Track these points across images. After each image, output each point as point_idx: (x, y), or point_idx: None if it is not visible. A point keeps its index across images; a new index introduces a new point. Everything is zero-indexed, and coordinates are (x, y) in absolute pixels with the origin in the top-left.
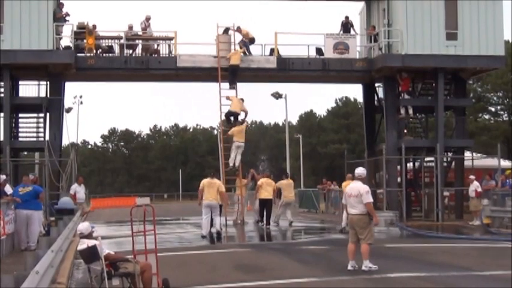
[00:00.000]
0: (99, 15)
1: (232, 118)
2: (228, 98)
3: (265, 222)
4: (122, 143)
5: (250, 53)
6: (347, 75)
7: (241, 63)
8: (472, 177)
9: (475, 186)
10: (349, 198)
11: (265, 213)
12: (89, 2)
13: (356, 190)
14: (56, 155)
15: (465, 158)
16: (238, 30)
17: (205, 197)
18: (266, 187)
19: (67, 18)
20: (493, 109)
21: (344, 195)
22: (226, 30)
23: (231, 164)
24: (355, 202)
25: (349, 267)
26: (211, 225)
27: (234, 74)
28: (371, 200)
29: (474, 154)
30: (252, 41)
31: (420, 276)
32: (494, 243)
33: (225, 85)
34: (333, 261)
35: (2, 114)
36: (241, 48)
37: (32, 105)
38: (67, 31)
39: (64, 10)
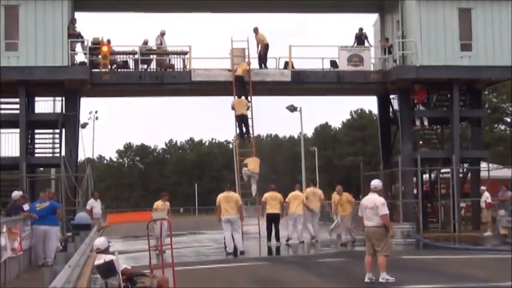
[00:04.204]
0: (114, 30)
1: (244, 128)
2: (232, 107)
3: (274, 239)
4: (138, 158)
5: (265, 64)
6: (362, 88)
7: (249, 75)
8: (483, 188)
9: (485, 197)
10: (365, 210)
11: (273, 229)
12: (103, 17)
13: (372, 202)
14: (72, 171)
15: (481, 169)
16: (255, 30)
17: (224, 212)
18: (271, 202)
19: (80, 36)
20: (508, 119)
21: (360, 208)
22: (255, 30)
23: (245, 179)
24: (371, 214)
25: (366, 280)
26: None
27: (240, 85)
28: (387, 211)
29: (490, 165)
30: (266, 47)
31: (437, 287)
32: (510, 254)
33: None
34: (350, 274)
35: (18, 131)
36: (248, 64)
37: (48, 121)
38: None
39: (77, 27)
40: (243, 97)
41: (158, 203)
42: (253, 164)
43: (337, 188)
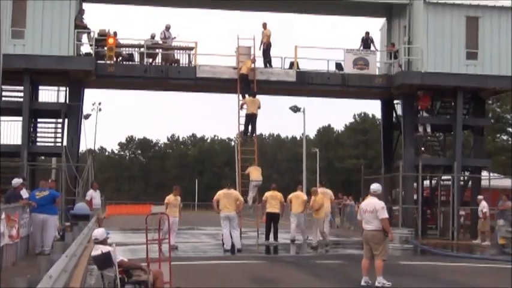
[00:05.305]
0: (120, 22)
1: (250, 127)
2: (242, 105)
3: (273, 237)
4: (139, 151)
5: (270, 63)
6: (366, 91)
7: (254, 73)
8: (480, 197)
9: (481, 207)
10: (364, 214)
11: (272, 228)
12: (110, 9)
13: (372, 206)
14: (73, 161)
15: (482, 177)
16: (264, 26)
17: (223, 209)
18: (271, 201)
19: (87, 28)
20: (511, 130)
21: (359, 211)
22: (264, 25)
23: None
24: (371, 218)
25: (363, 283)
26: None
27: (244, 83)
28: (386, 215)
29: (491, 174)
30: (268, 45)
31: None
32: (508, 264)
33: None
34: (346, 276)
35: (21, 119)
36: (253, 61)
37: (51, 111)
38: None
39: (85, 18)
40: (257, 97)
41: (170, 198)
42: (255, 173)
43: (312, 189)
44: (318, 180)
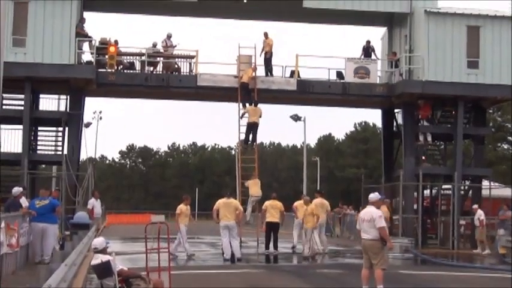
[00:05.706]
0: (122, 31)
1: (251, 136)
2: (243, 114)
3: (272, 246)
4: (140, 160)
5: (271, 71)
6: (367, 100)
7: (255, 82)
8: (475, 206)
9: (478, 215)
10: (362, 223)
11: (272, 237)
12: (111, 18)
13: (369, 215)
14: (73, 169)
15: (483, 187)
16: (265, 35)
17: (222, 218)
18: (271, 210)
19: (87, 36)
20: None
21: (358, 220)
22: (266, 34)
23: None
24: (368, 227)
25: None
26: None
27: (245, 92)
28: (384, 224)
29: (492, 183)
30: (270, 55)
31: None
32: (508, 273)
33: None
34: (346, 286)
35: (22, 127)
36: (254, 70)
37: (52, 119)
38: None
39: (85, 27)
40: (258, 105)
41: (182, 207)
42: (254, 188)
43: (305, 198)
44: (317, 188)
